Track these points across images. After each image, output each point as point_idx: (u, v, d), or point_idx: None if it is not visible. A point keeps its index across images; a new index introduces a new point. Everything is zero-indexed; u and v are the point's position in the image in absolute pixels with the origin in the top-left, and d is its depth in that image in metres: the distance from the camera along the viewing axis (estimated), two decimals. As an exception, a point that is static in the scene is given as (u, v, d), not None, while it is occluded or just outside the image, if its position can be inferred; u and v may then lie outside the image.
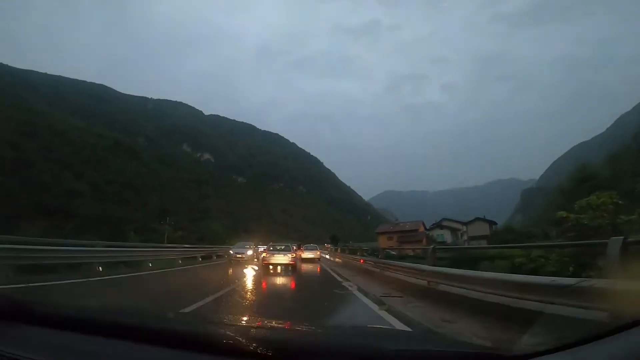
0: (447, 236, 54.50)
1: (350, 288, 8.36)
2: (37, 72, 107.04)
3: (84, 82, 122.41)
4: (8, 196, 27.93)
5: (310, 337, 1.41)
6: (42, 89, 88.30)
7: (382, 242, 50.99)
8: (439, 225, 58.96)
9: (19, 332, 1.24)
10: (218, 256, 22.29)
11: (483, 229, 52.65)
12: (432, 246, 7.28)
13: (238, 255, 17.95)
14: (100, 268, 9.95)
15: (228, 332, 1.21)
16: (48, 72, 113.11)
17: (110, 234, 19.71)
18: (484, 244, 41.71)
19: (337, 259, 22.63)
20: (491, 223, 57.66)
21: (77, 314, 1.35)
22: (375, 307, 5.66)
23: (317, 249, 24.73)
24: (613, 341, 0.93)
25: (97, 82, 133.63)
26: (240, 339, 1.11)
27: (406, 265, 8.19)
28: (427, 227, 59.69)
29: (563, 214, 9.69)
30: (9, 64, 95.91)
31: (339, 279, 11.00)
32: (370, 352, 1.12)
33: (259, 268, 14.60)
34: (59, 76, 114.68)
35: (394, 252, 24.46)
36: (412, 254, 24.18)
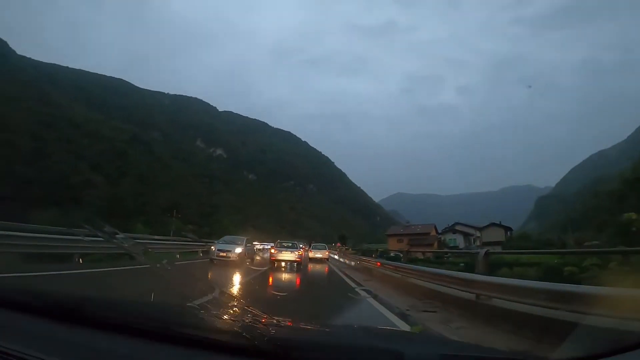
0: (460, 241, 53.23)
1: (364, 296, 7.34)
2: (60, 66, 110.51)
3: (104, 76, 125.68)
4: (25, 185, 28.97)
5: (321, 336, 1.37)
6: (64, 82, 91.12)
7: (392, 244, 50.47)
8: (451, 230, 57.77)
9: (12, 322, 1.21)
10: (204, 252, 20.84)
11: (498, 235, 51.17)
12: (484, 250, 6.03)
13: (222, 254, 13.27)
14: (80, 260, 9.08)
15: (235, 328, 1.17)
16: (70, 66, 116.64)
17: (117, 225, 19.65)
18: (498, 249, 40.86)
19: (347, 260, 20.97)
20: (507, 229, 56.46)
21: (77, 304, 1.30)
22: (402, 323, 4.61)
23: (325, 249, 23.62)
24: None
25: (117, 76, 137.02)
26: (249, 334, 1.07)
27: (445, 273, 6.53)
28: (439, 231, 58.95)
29: (632, 215, 8.75)
30: (34, 58, 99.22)
31: (351, 283, 9.87)
32: (387, 354, 1.05)
33: (253, 272, 11.80)
34: (80, 70, 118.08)
35: (394, 254, 23.02)
36: (422, 257, 23.51)
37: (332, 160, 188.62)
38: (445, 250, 34.43)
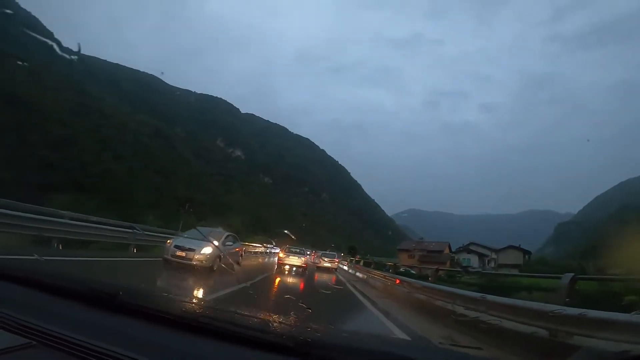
0: (474, 261, 52.43)
1: (382, 320, 6.54)
2: (98, 59, 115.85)
3: (138, 71, 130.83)
4: (48, 169, 30.44)
5: (341, 338, 1.40)
6: (99, 74, 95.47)
7: (403, 259, 49.90)
8: (466, 249, 56.79)
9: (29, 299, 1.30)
10: None
11: (516, 258, 50.48)
12: (571, 275, 4.77)
13: (179, 253, 9.17)
14: (59, 245, 8.61)
15: (261, 324, 1.25)
16: (107, 60, 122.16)
17: (129, 215, 19.05)
18: (514, 272, 39.59)
19: (358, 273, 19.59)
20: (525, 252, 55.00)
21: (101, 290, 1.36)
22: None
23: (335, 257, 22.38)
24: None
25: (149, 72, 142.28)
26: (275, 330, 1.16)
27: (509, 303, 4.97)
28: (453, 250, 57.80)
29: None
30: (73, 49, 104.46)
31: (363, 300, 9.11)
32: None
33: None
34: (116, 64, 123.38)
35: (413, 271, 22.19)
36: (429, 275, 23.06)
37: (349, 170, 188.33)
38: (472, 268, 32.76)
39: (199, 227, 12.28)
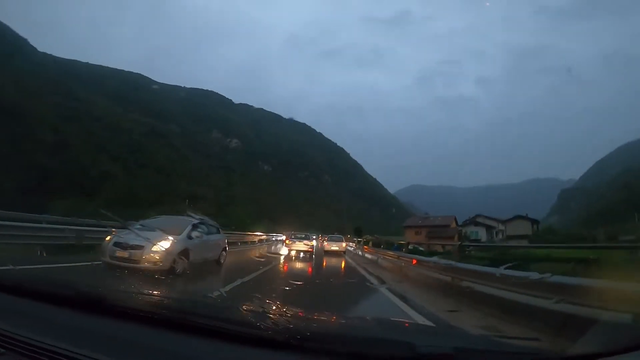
0: (482, 234, 51.48)
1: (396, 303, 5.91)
2: (80, 62, 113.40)
3: (123, 71, 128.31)
4: (45, 176, 30.02)
5: (334, 327, 1.37)
6: (85, 77, 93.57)
7: (409, 236, 49.27)
8: (473, 222, 55.98)
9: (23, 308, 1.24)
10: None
11: (524, 228, 49.58)
12: None
13: (119, 254, 6.46)
14: (42, 253, 7.84)
15: (250, 318, 1.20)
16: (90, 62, 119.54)
17: (130, 216, 19.58)
18: (524, 243, 39.48)
19: (367, 255, 18.56)
20: (533, 222, 54.22)
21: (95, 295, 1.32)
22: None
23: (342, 241, 21.96)
24: None
25: (135, 71, 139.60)
26: (263, 324, 1.10)
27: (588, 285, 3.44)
28: (459, 223, 57.48)
29: None
30: (54, 54, 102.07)
31: (377, 285, 8.19)
32: (399, 345, 1.07)
33: None
34: (100, 65, 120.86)
35: (422, 248, 22.01)
36: (441, 250, 21.11)
37: (348, 152, 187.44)
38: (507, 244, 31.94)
39: (162, 217, 8.88)
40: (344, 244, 21.54)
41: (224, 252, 9.96)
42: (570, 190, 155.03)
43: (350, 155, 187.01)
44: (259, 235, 32.57)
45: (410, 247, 19.93)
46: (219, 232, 10.04)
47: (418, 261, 9.20)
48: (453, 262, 6.99)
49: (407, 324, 2.32)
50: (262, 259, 14.19)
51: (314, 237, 25.02)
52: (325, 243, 21.83)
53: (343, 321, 1.60)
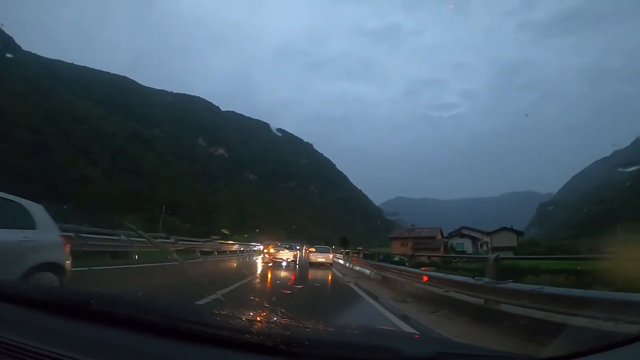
0: (468, 245, 52.01)
1: None
2: (64, 62, 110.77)
3: (108, 73, 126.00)
4: (20, 178, 28.72)
5: (321, 334, 1.38)
6: (68, 78, 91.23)
7: (395, 247, 48.74)
8: (459, 234, 56.04)
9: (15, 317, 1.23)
10: (202, 252, 18.89)
11: (509, 240, 49.85)
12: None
13: None
14: None
15: (235, 323, 1.20)
16: (75, 63, 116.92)
17: (110, 222, 18.85)
18: (510, 255, 39.32)
19: (357, 267, 16.27)
20: (519, 233, 54.58)
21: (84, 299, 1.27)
22: None
23: (329, 252, 19.92)
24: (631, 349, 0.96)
25: (121, 74, 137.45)
26: (248, 329, 1.11)
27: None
28: (444, 235, 57.40)
29: None
30: (38, 54, 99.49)
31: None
32: (384, 352, 1.10)
33: None
34: (84, 67, 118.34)
35: (399, 258, 19.65)
36: (427, 261, 20.31)
37: (334, 163, 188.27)
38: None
39: None
40: (331, 255, 19.50)
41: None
42: (548, 204, 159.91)
43: (336, 166, 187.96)
44: (235, 244, 29.41)
45: (396, 258, 19.69)
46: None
47: (430, 278, 7.26)
48: (489, 280, 5.11)
49: (391, 331, 2.33)
50: (243, 271, 13.23)
51: (298, 247, 24.38)
52: (311, 254, 19.99)
53: (330, 328, 1.62)
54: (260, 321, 1.25)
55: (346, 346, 1.14)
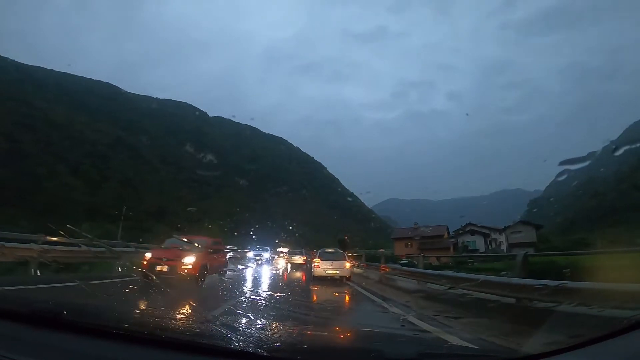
0: (480, 243, 47.81)
1: None
2: (43, 69, 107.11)
3: (90, 79, 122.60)
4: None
5: (303, 339, 1.40)
6: (47, 85, 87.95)
7: (399, 248, 45.66)
8: (468, 231, 50.62)
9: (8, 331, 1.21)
10: None
11: (527, 235, 44.14)
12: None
13: None
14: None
15: (216, 332, 1.19)
16: (54, 69, 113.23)
17: (95, 231, 17.24)
18: (531, 252, 36.47)
19: (401, 283, 10.85)
20: (538, 227, 48.57)
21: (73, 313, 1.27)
22: None
23: (344, 258, 13.20)
24: (627, 339, 0.96)
25: (104, 80, 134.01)
26: (234, 336, 1.12)
27: None
28: (451, 233, 53.39)
29: None
30: (17, 60, 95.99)
31: None
32: (368, 353, 1.13)
33: None
34: (65, 73, 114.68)
35: (416, 262, 14.36)
36: (437, 262, 18.82)
37: (325, 166, 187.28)
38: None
39: None
40: (347, 265, 13.05)
41: None
42: (538, 200, 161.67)
43: (328, 169, 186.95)
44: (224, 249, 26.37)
45: (404, 260, 18.06)
46: None
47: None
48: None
49: (376, 333, 2.35)
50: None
51: (301, 250, 23.81)
52: (315, 264, 13.07)
53: (314, 333, 1.60)
54: (244, 327, 1.22)
55: (330, 350, 1.17)
